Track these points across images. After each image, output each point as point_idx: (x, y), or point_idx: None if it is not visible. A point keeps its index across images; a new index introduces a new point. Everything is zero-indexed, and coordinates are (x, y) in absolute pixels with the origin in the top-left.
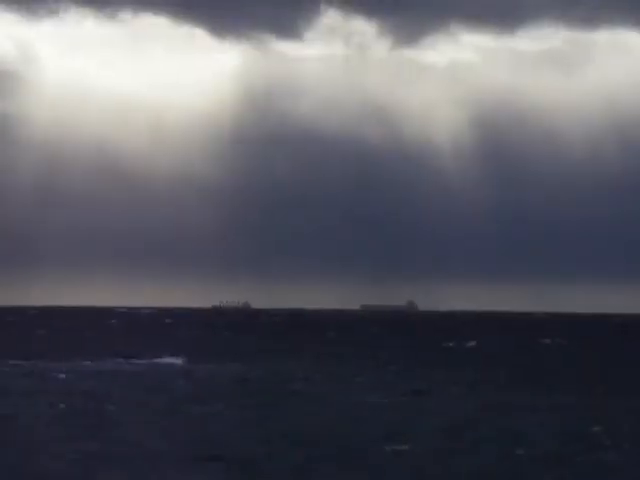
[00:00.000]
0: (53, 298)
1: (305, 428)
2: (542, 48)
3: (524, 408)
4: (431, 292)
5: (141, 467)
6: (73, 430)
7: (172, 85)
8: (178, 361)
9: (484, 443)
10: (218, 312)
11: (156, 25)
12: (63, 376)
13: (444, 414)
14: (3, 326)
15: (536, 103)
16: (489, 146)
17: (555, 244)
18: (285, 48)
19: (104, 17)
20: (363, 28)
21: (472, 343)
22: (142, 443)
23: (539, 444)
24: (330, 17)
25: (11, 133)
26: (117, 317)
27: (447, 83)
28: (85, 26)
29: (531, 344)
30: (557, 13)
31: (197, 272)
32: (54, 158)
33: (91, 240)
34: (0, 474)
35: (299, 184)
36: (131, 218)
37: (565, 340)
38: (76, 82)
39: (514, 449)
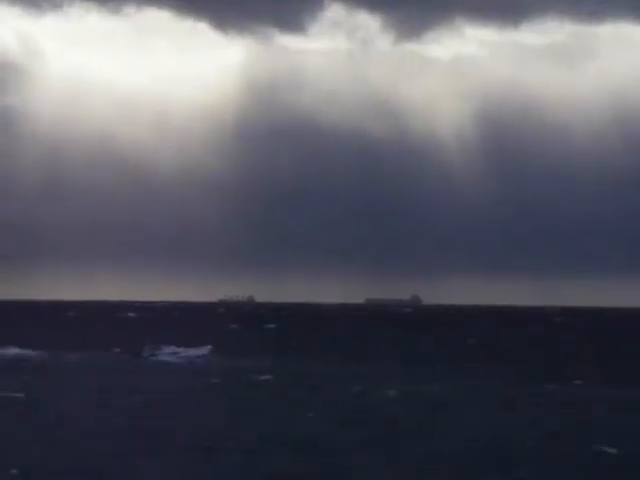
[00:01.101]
0: (53, 293)
1: (305, 424)
2: (546, 42)
3: (531, 403)
4: (435, 286)
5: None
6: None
7: (175, 79)
8: (205, 352)
9: (499, 439)
10: (225, 306)
11: (159, 19)
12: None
13: (448, 410)
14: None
15: (540, 97)
16: (493, 140)
17: (559, 239)
18: (289, 42)
19: (108, 11)
20: (367, 22)
21: (475, 337)
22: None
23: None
24: (334, 11)
25: (14, 126)
26: (134, 310)
27: (451, 77)
28: (89, 20)
29: (534, 339)
30: (562, 7)
31: (200, 266)
32: (57, 151)
33: (93, 234)
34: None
35: (303, 177)
36: (134, 212)
37: (569, 334)
38: (79, 76)
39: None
